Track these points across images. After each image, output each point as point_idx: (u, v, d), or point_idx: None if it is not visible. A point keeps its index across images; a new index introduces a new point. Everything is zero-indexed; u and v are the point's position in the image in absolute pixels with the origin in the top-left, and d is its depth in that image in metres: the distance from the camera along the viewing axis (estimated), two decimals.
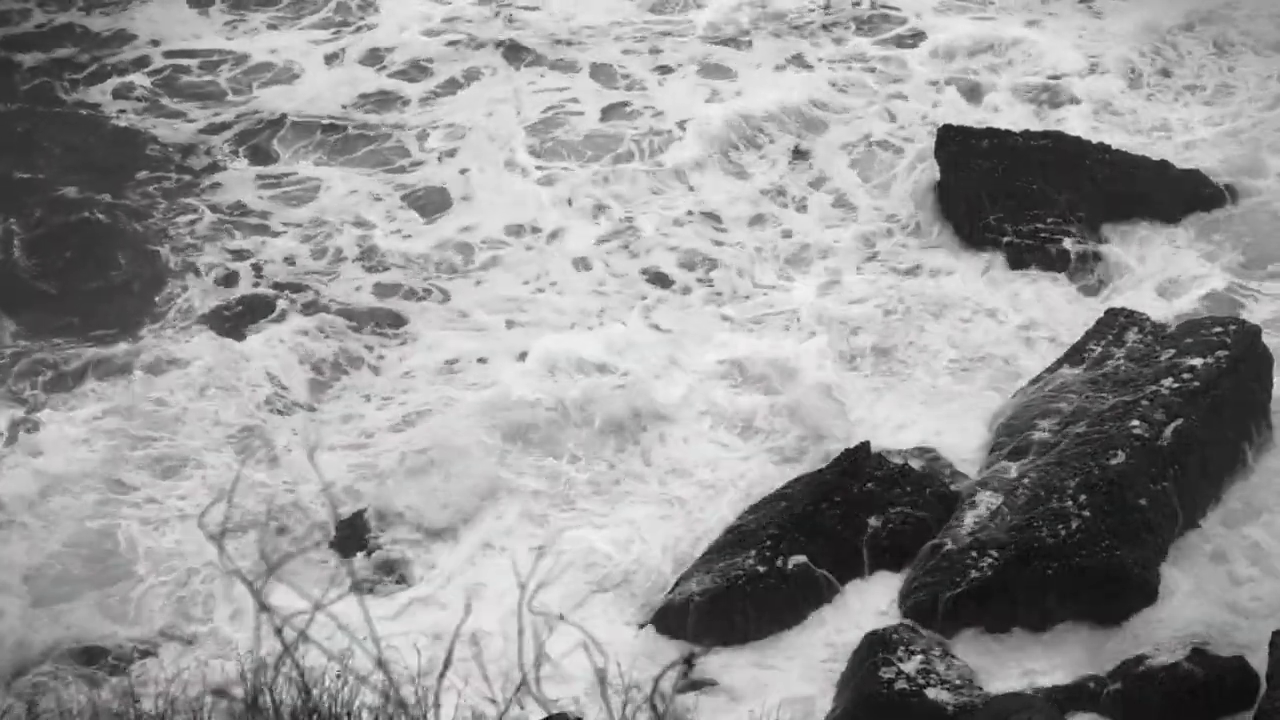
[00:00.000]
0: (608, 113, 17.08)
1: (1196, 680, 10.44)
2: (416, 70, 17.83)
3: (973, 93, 16.82)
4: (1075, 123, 16.14)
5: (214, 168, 16.49)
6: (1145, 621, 10.98)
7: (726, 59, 17.71)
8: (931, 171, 15.28)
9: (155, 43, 18.22)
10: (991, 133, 15.32)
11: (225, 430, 13.27)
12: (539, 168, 16.32)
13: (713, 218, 15.55)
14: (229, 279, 15.05)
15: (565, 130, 16.76)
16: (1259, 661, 10.54)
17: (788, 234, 15.24)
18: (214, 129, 17.01)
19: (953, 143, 15.15)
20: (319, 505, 12.57)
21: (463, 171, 16.30)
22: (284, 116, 17.16)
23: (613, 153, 16.50)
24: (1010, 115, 16.33)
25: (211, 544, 11.35)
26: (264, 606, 4.28)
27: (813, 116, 16.68)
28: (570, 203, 15.77)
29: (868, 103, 16.80)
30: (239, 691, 6.03)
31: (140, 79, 17.65)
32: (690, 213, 15.51)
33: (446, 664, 4.92)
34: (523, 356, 13.85)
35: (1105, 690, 10.53)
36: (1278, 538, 11.77)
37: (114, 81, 17.60)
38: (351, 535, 12.29)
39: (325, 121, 17.09)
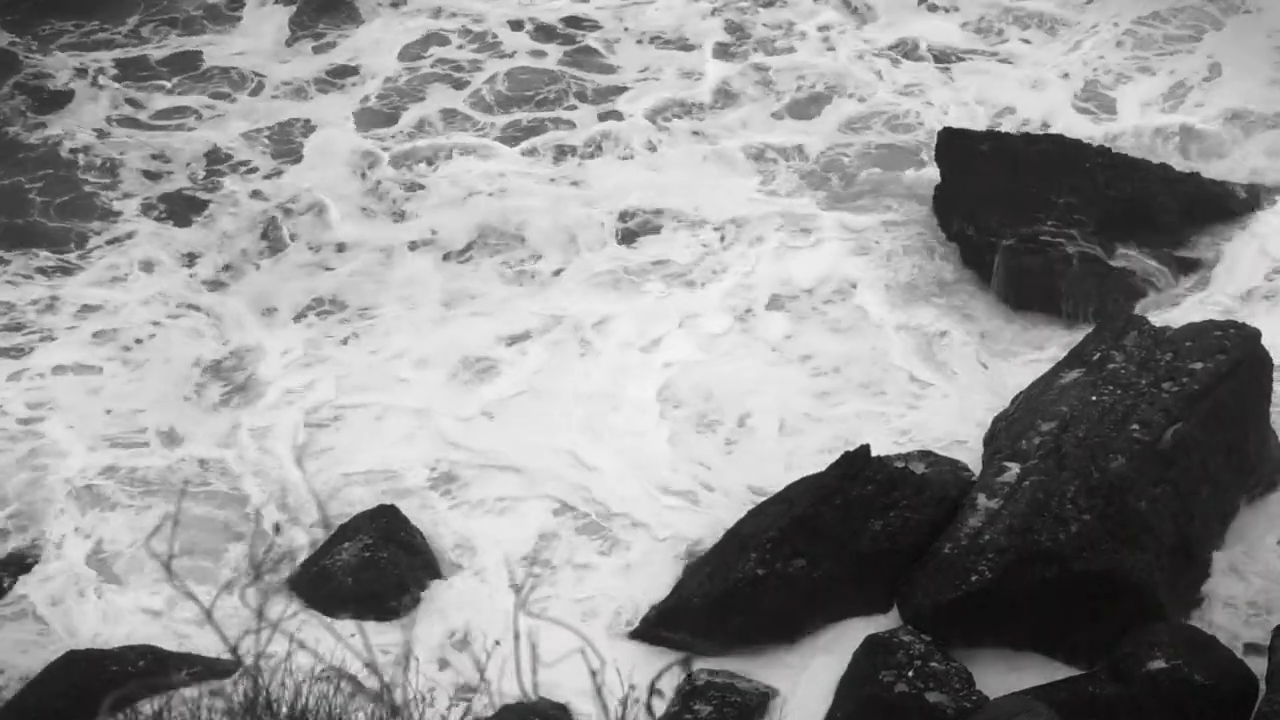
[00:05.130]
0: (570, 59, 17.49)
1: (1196, 683, 10.44)
2: None
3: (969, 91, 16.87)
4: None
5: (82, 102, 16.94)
6: (1144, 624, 10.96)
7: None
8: (932, 175, 15.28)
9: None
10: (992, 135, 15.33)
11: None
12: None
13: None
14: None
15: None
16: (1258, 664, 10.55)
17: (787, 233, 15.25)
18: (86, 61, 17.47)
19: (954, 146, 15.13)
20: (306, 507, 12.68)
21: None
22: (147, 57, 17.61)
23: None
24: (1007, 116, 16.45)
25: (161, 566, 11.39)
26: (215, 625, 4.28)
27: (810, 112, 16.74)
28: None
29: (865, 102, 16.83)
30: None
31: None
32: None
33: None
34: None
35: (1104, 693, 10.52)
36: (1277, 541, 11.78)
37: None
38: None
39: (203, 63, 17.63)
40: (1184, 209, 14.74)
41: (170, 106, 17.05)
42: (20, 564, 12.30)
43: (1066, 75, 16.94)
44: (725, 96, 16.91)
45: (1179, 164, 15.32)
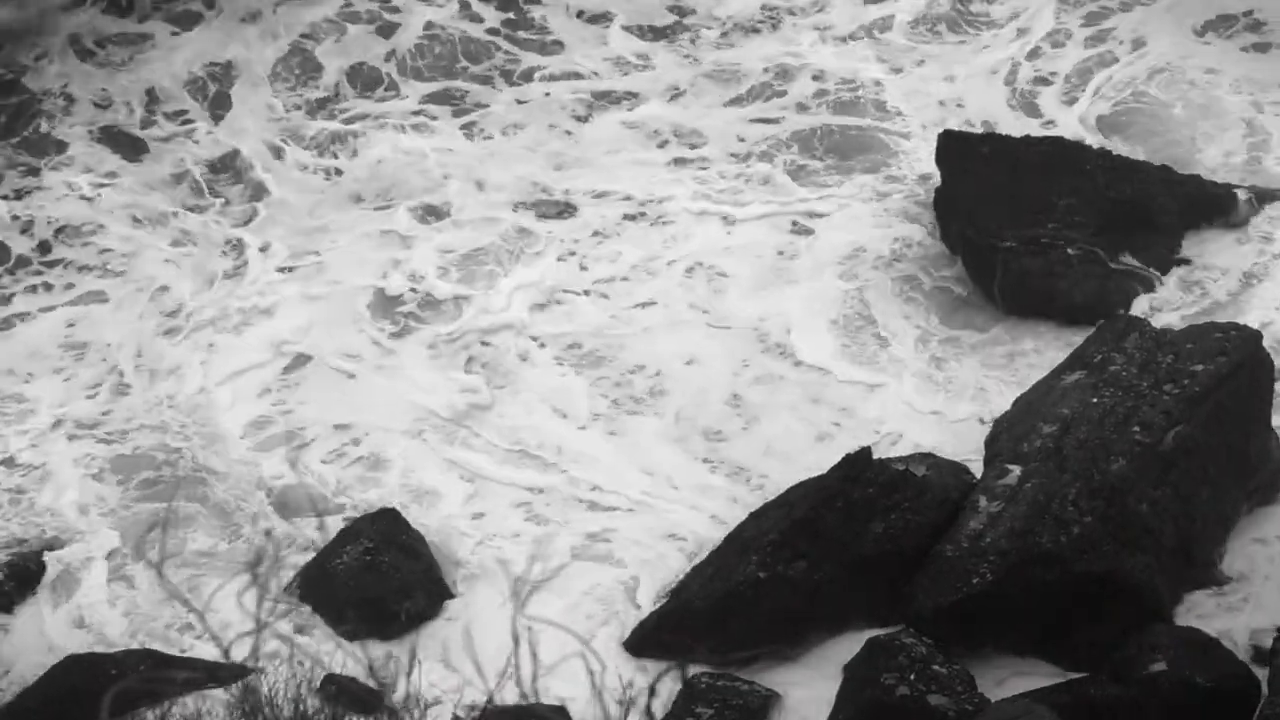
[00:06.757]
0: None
1: (1197, 686, 10.43)
2: None
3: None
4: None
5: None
6: (1146, 626, 10.96)
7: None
8: (932, 178, 15.29)
9: None
10: (992, 138, 15.33)
11: None
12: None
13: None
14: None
15: None
16: (1259, 667, 10.54)
17: (787, 237, 15.26)
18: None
19: (953, 148, 15.13)
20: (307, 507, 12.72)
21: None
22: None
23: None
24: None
25: (153, 569, 11.43)
26: (208, 628, 4.30)
27: (809, 115, 16.73)
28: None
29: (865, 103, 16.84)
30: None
31: None
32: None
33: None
34: None
35: (1105, 695, 10.52)
36: (1278, 543, 11.78)
37: None
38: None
39: None
40: (1184, 210, 14.73)
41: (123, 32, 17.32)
42: (19, 568, 12.30)
43: (1017, 62, 16.90)
44: (667, 80, 16.85)
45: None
